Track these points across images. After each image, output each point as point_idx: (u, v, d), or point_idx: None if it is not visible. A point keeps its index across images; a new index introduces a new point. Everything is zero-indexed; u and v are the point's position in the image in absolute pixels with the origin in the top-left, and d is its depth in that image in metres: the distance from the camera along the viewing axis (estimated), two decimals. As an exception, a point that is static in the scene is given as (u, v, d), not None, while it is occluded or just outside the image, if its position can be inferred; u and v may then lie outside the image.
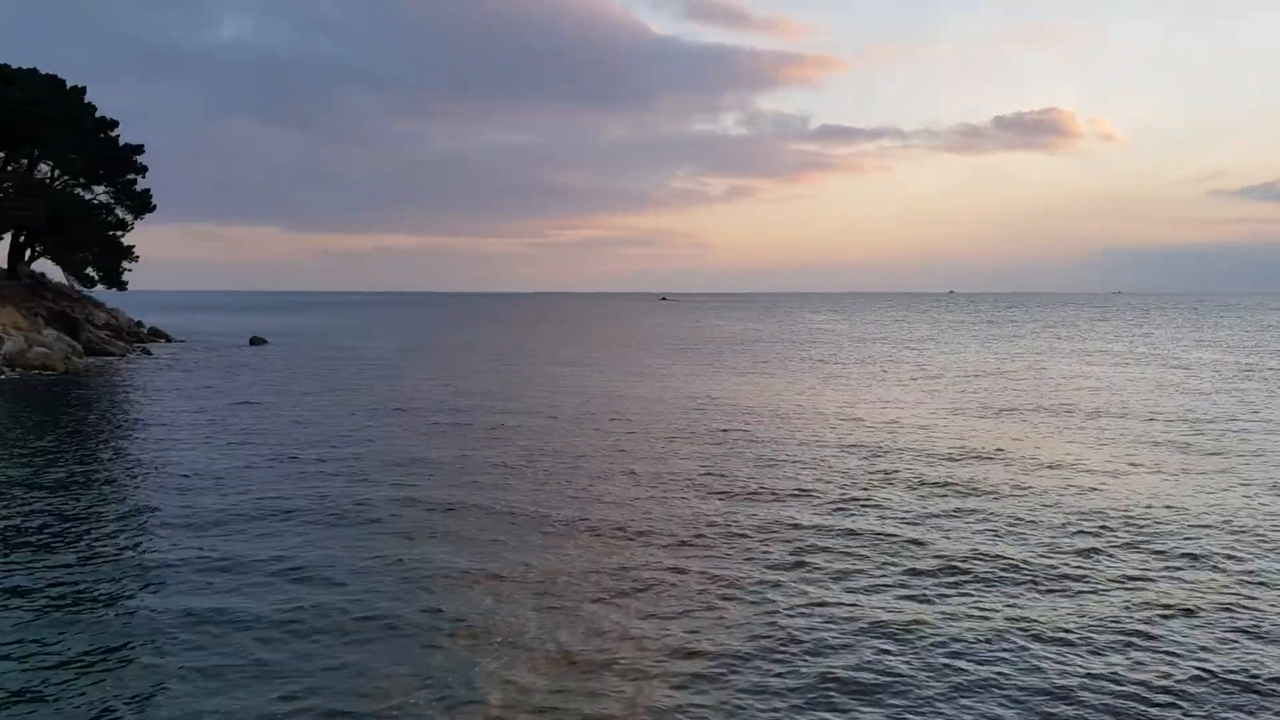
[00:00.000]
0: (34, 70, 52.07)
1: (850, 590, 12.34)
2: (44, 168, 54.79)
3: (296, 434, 25.48)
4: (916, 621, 11.12)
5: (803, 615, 11.37)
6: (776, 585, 12.49)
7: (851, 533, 15.19)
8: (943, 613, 11.47)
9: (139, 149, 58.42)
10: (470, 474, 19.93)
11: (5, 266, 53.75)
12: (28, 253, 56.03)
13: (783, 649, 10.36)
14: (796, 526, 15.53)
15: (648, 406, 31.44)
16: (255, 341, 65.35)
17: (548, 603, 11.82)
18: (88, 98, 55.23)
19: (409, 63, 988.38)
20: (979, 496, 17.76)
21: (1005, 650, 10.33)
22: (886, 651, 10.28)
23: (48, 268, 58.36)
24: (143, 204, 59.36)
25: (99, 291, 61.71)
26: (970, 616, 11.37)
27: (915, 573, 13.01)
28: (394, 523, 15.85)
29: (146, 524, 15.84)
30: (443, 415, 29.15)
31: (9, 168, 52.45)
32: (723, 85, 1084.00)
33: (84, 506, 17.11)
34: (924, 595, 12.12)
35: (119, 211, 58.88)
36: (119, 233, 59.18)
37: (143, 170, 58.81)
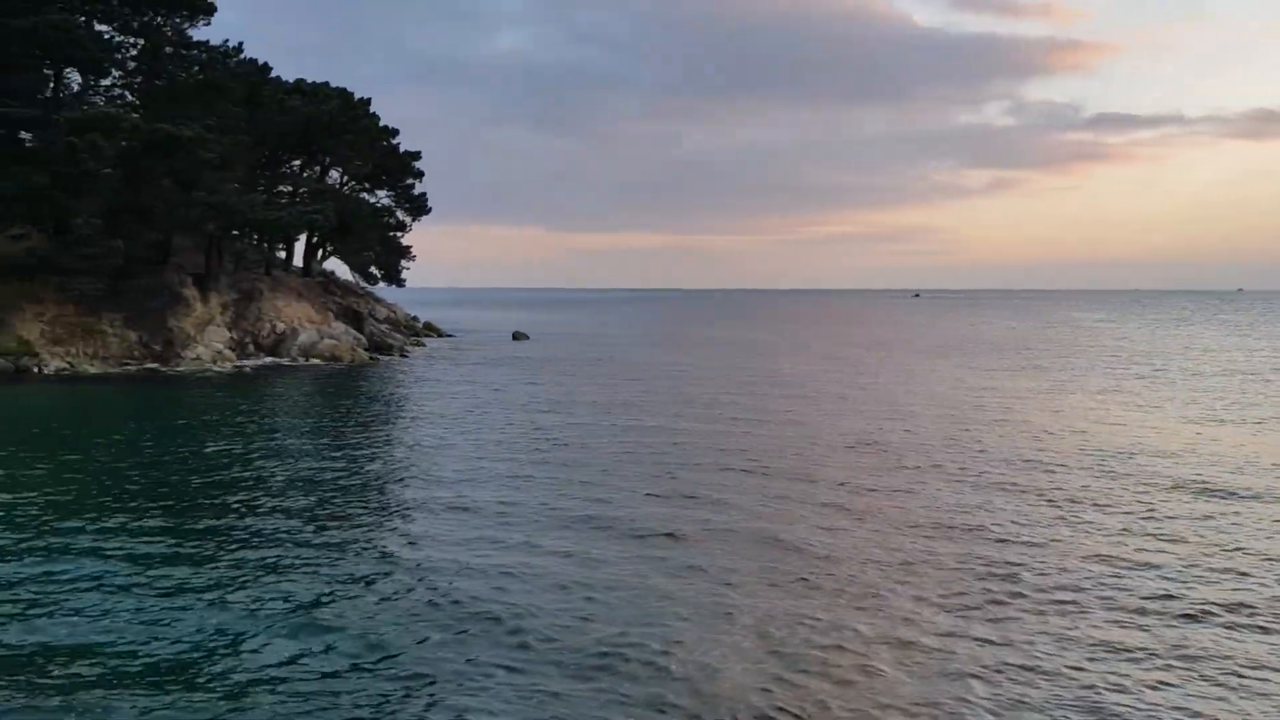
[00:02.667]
0: (326, 84, 56.71)
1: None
2: (334, 174, 59.66)
3: (556, 423, 26.48)
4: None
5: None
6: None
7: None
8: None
9: (416, 155, 62.58)
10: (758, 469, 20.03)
11: (301, 265, 58.96)
12: (320, 252, 61.21)
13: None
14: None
15: (915, 407, 30.55)
16: (517, 336, 68.61)
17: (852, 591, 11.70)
18: (372, 108, 59.59)
19: (669, 66, 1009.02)
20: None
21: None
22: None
23: (336, 266, 63.78)
24: (420, 207, 63.60)
25: (380, 288, 66.77)
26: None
27: None
28: (669, 516, 16.14)
29: (425, 504, 16.92)
30: (700, 409, 29.47)
31: (305, 174, 57.48)
32: (988, 75, 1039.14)
33: (362, 481, 18.50)
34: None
35: (399, 214, 63.38)
36: (398, 233, 63.73)
37: (420, 175, 63.02)
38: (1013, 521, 15.83)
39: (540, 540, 14.60)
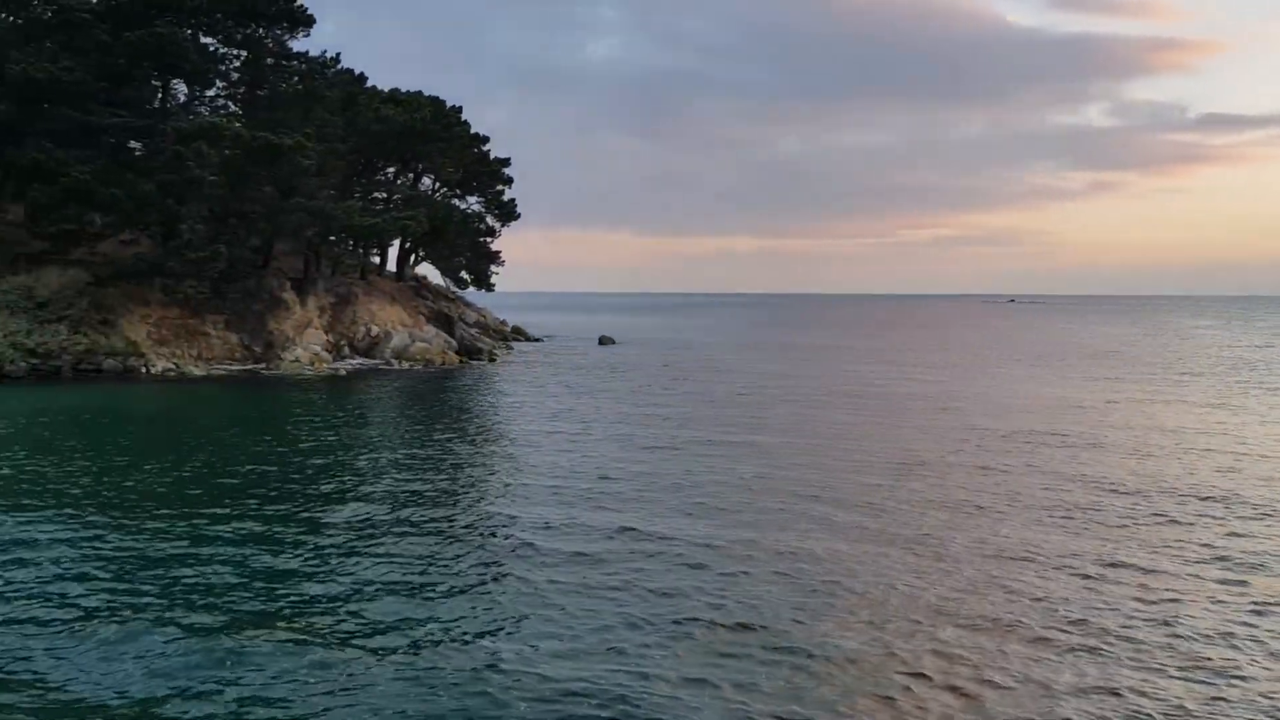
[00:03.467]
0: (420, 93, 57.86)
1: None
2: (426, 181, 60.83)
3: (640, 429, 26.60)
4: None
5: None
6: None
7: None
8: None
9: (506, 162, 63.40)
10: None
11: (394, 270, 60.23)
12: (412, 257, 62.45)
13: None
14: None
15: (1019, 422, 29.87)
16: (604, 341, 69.03)
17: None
18: (465, 116, 60.61)
19: (763, 69, 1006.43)
20: None
21: None
22: None
23: (428, 271, 65.01)
24: (509, 213, 64.38)
25: (470, 292, 67.78)
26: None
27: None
28: (749, 506, 16.12)
29: (515, 498, 17.18)
30: (790, 418, 29.32)
31: (398, 181, 58.72)
32: (1088, 75, 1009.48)
33: (452, 480, 18.85)
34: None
35: (489, 219, 64.24)
36: (488, 239, 64.57)
37: (509, 181, 63.81)
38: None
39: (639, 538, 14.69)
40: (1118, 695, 9.22)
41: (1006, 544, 14.46)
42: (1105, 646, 10.41)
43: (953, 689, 9.36)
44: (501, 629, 10.95)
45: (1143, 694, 9.25)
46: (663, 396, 34.54)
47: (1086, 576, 12.85)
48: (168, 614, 11.24)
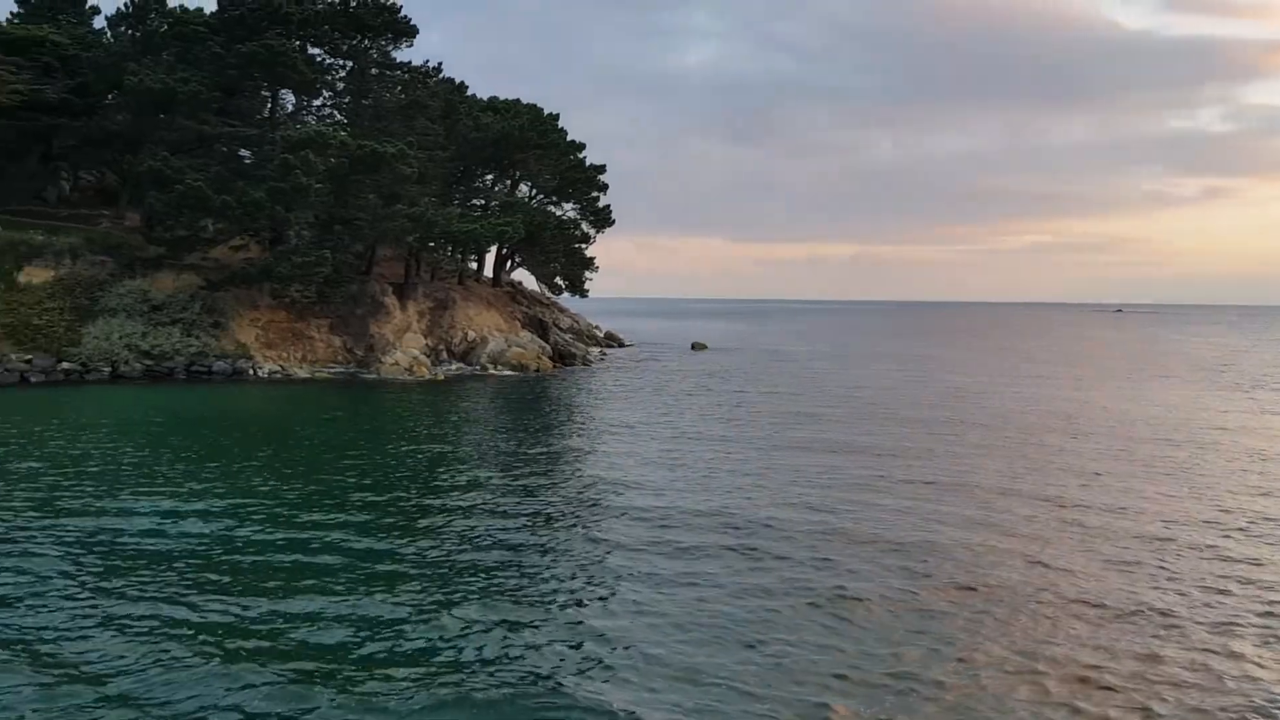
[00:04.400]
0: (518, 100, 58.62)
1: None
2: (524, 187, 61.57)
3: (735, 434, 26.48)
4: None
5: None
6: None
7: None
8: None
9: (601, 168, 63.83)
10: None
11: (491, 275, 61.08)
12: (508, 263, 63.23)
13: None
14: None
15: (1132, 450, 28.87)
16: (696, 347, 68.97)
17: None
18: (562, 123, 61.24)
19: (860, 74, 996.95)
20: None
21: None
22: None
23: (523, 276, 65.71)
24: (603, 219, 64.76)
25: (564, 298, 68.35)
26: None
27: None
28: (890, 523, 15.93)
29: (617, 502, 17.26)
30: (890, 427, 28.91)
31: (496, 188, 59.55)
32: (1201, 79, 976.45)
33: (552, 482, 19.00)
34: None
35: (583, 225, 64.71)
36: (583, 245, 65.03)
37: (604, 188, 64.19)
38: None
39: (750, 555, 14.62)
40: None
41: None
42: None
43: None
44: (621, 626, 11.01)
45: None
46: (759, 403, 34.32)
47: None
48: (296, 593, 11.55)
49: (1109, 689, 9.64)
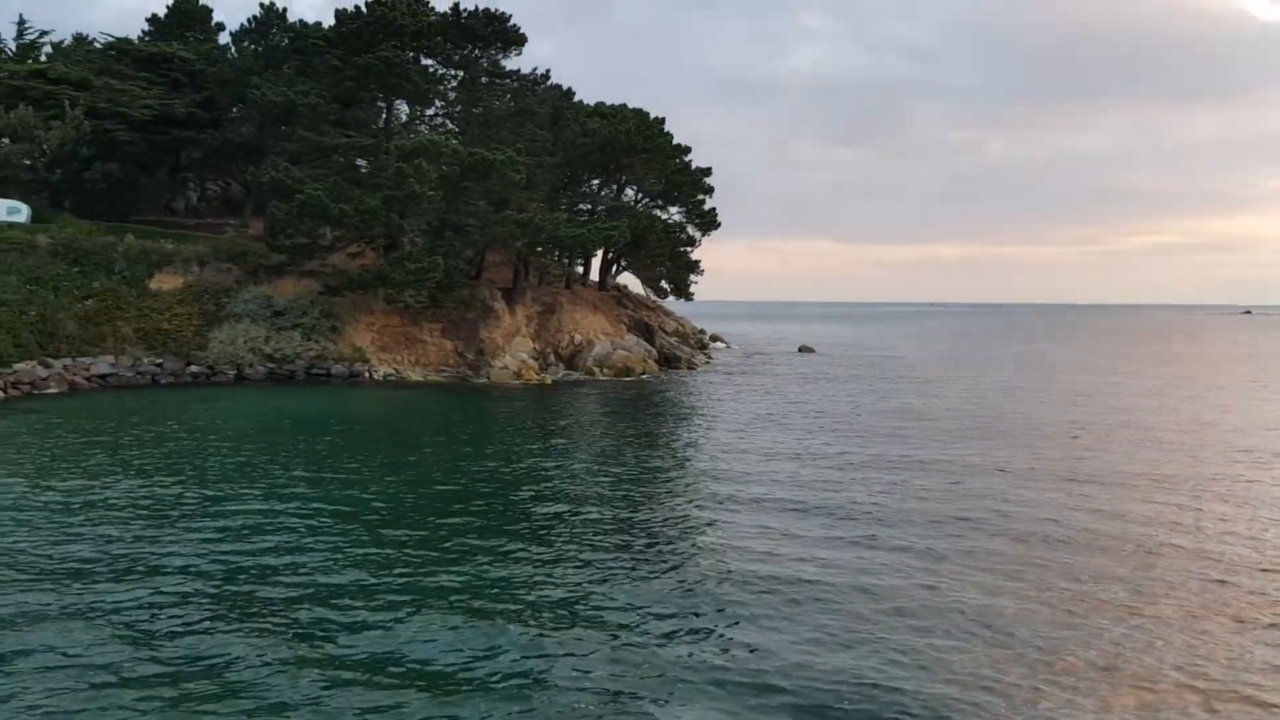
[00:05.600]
0: (624, 105, 59.01)
1: None
2: (630, 192, 61.93)
3: (848, 440, 26.20)
4: None
5: None
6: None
7: None
8: None
9: (707, 172, 63.76)
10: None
11: (597, 279, 61.62)
12: (614, 267, 63.68)
13: None
14: None
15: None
16: (803, 350, 68.39)
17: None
18: (669, 127, 61.45)
19: (975, 73, 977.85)
20: None
21: None
22: None
23: (629, 280, 66.09)
24: (709, 222, 64.69)
25: (669, 301, 68.47)
26: None
27: None
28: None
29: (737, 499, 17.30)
30: (1008, 434, 28.28)
31: (602, 192, 60.07)
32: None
33: (676, 488, 19.14)
34: None
35: (689, 229, 64.73)
36: (688, 249, 65.06)
37: (710, 191, 64.09)
38: None
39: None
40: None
41: None
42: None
43: None
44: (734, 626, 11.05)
45: None
46: (872, 408, 33.89)
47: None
48: (411, 591, 11.91)
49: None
